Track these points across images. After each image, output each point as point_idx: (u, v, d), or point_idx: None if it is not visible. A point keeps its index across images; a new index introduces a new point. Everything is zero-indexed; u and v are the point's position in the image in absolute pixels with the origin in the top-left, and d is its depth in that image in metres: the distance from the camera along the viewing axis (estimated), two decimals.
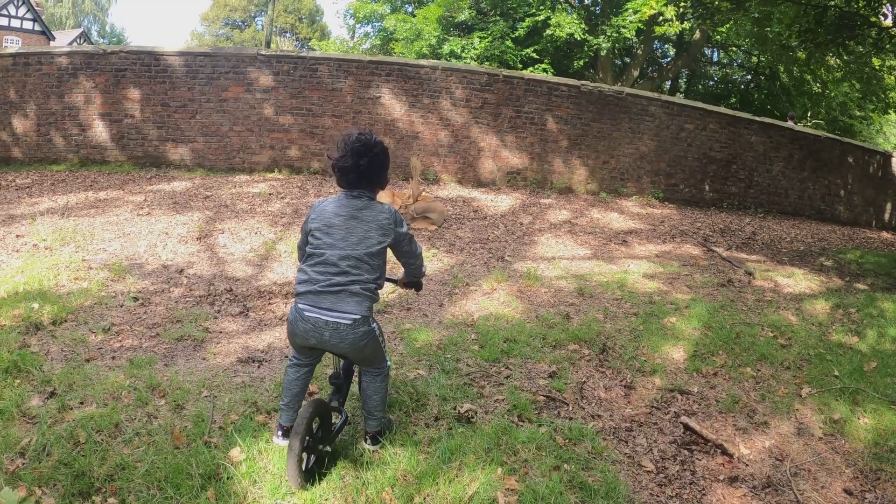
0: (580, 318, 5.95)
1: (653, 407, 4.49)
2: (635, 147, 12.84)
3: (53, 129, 11.42)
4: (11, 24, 38.61)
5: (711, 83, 27.46)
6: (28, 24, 39.49)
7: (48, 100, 11.32)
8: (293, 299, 3.39)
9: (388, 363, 3.58)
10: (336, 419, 3.57)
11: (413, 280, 3.74)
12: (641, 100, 12.88)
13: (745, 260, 9.08)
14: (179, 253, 7.10)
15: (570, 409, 4.30)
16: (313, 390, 4.28)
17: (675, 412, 4.44)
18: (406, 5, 24.87)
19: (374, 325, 3.31)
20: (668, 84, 25.96)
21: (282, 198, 9.73)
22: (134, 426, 3.77)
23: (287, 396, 3.46)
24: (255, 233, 8.10)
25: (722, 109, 13.88)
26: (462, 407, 4.00)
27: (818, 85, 22.63)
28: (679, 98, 14.01)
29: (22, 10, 39.26)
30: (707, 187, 13.58)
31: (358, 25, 25.94)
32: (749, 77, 26.01)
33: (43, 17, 46.45)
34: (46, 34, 39.59)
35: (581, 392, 4.53)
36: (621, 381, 4.79)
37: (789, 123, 14.82)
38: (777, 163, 13.97)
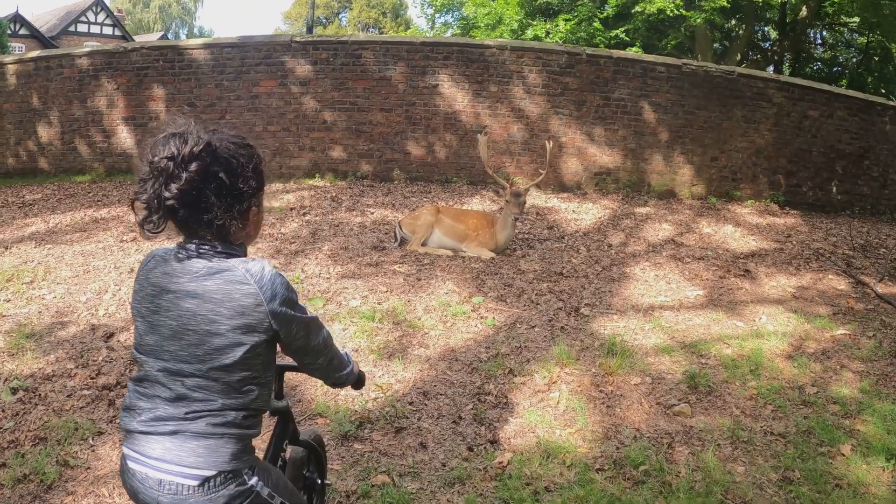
0: (691, 452, 3.29)
1: None
2: (750, 140, 9.83)
3: (77, 136, 9.74)
4: (91, 31, 37.60)
5: (817, 66, 23.26)
6: (108, 30, 38.33)
7: (70, 105, 9.64)
8: None
9: None
10: None
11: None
12: (757, 81, 9.81)
13: None
14: (128, 303, 5.03)
15: None
16: None
17: None
18: None
19: (255, 480, 1.61)
20: (770, 69, 22.08)
21: (304, 213, 7.52)
22: None
23: None
24: None
25: (852, 93, 10.59)
26: None
27: None
28: (801, 80, 10.77)
29: (101, 16, 38.23)
30: (835, 188, 10.32)
31: (437, 15, 23.49)
32: (856, 60, 21.80)
33: (128, 23, 45.86)
34: (126, 39, 38.08)
35: None
36: None
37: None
38: None
